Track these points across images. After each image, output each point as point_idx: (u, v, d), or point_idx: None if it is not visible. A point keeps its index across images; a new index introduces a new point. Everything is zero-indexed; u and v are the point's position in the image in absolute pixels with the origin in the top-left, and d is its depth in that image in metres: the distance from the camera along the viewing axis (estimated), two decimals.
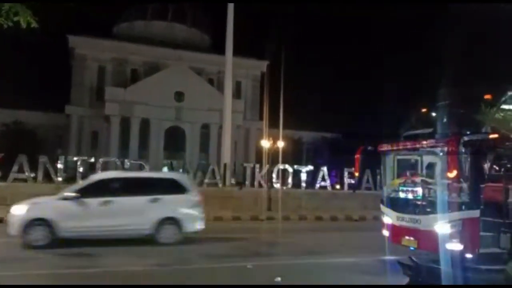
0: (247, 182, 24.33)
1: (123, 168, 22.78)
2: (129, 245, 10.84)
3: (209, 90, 44.69)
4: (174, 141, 43.57)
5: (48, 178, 21.12)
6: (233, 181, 27.86)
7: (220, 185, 23.84)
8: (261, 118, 35.19)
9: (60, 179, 21.09)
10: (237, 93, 46.27)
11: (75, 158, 24.58)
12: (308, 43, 65.27)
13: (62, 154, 28.34)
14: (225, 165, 25.48)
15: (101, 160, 23.51)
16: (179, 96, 43.50)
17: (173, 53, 45.56)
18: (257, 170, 24.55)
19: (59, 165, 21.53)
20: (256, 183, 24.00)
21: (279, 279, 7.91)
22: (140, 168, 24.35)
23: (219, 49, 33.60)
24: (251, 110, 49.52)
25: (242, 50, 35.01)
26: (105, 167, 24.72)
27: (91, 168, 24.61)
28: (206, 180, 23.62)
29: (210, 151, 43.60)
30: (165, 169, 36.60)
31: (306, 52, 66.31)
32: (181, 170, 26.13)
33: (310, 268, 9.29)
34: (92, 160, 24.51)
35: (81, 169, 22.14)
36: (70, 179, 22.92)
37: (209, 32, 51.68)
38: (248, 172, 24.71)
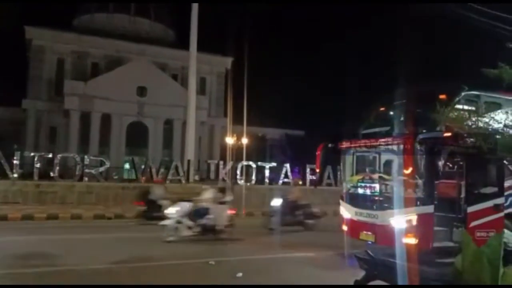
0: (211, 179, 24.30)
1: (83, 165, 22.19)
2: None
3: (172, 85, 44.14)
4: (136, 137, 42.72)
5: (3, 174, 20.37)
6: (196, 177, 27.76)
7: (184, 181, 23.71)
8: (225, 115, 35.11)
9: (15, 175, 20.40)
10: (201, 90, 45.93)
11: (32, 154, 23.82)
12: (273, 41, 65.52)
13: (18, 149, 27.35)
14: (188, 161, 25.32)
15: (59, 156, 22.84)
16: (141, 91, 42.70)
17: (135, 47, 44.72)
18: (221, 166, 24.54)
19: (15, 161, 20.79)
20: (220, 180, 24.01)
21: (240, 274, 7.96)
22: (101, 164, 23.83)
23: (184, 44, 33.15)
24: (215, 107, 49.33)
25: (206, 46, 34.77)
26: (63, 163, 24.06)
27: (49, 164, 23.92)
28: (169, 177, 23.44)
29: (173, 147, 43.11)
30: (127, 165, 35.88)
31: (271, 50, 66.54)
32: (143, 167, 25.69)
33: (270, 263, 9.40)
34: (50, 156, 23.84)
35: (38, 165, 21.49)
36: (26, 175, 22.21)
37: (173, 27, 50.99)
38: (212, 168, 24.67)
